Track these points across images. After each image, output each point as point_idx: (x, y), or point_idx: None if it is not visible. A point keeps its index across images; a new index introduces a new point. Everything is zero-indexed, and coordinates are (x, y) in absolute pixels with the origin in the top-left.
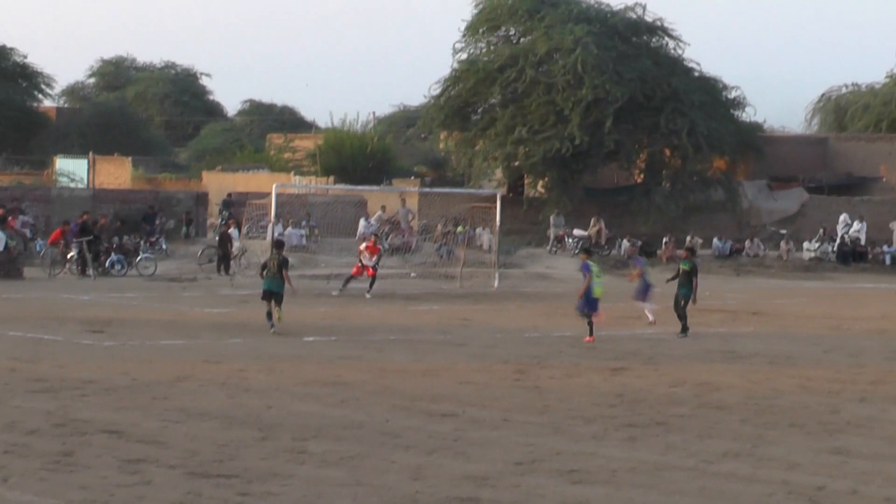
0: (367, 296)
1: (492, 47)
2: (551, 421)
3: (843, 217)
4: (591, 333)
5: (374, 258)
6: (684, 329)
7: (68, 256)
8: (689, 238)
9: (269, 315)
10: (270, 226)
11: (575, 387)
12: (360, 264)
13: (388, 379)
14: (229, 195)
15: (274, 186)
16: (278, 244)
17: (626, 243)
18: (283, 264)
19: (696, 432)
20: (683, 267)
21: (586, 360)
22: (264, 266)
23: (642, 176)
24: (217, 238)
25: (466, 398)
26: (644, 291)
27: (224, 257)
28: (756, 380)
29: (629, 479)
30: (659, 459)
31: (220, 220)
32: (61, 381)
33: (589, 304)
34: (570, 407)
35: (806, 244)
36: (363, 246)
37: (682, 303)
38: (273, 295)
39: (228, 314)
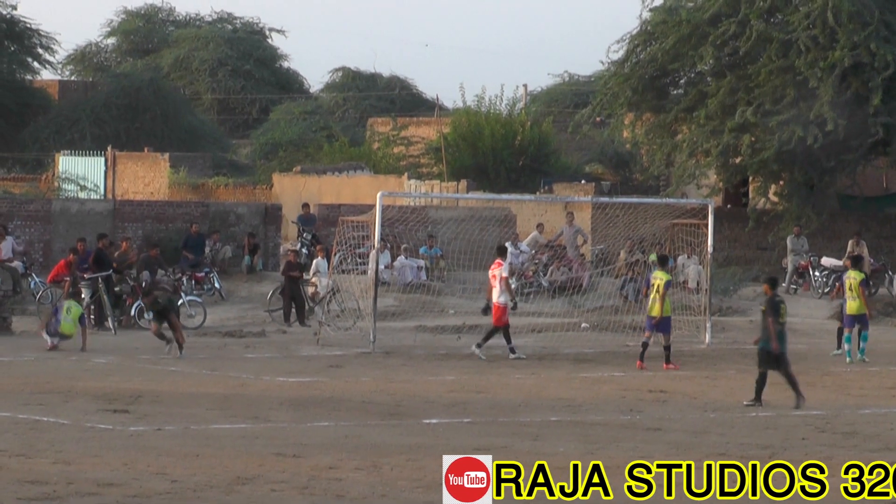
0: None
1: None
2: None
3: None
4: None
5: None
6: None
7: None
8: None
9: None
10: (374, 254)
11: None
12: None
13: None
14: (305, 206)
15: (378, 196)
16: None
17: None
18: None
19: None
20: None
21: (841, 449)
22: None
23: None
24: (282, 269)
25: None
26: None
27: (295, 298)
28: None
29: None
30: None
31: (299, 244)
32: (68, 483)
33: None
34: None
35: None
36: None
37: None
38: None
39: (312, 385)
